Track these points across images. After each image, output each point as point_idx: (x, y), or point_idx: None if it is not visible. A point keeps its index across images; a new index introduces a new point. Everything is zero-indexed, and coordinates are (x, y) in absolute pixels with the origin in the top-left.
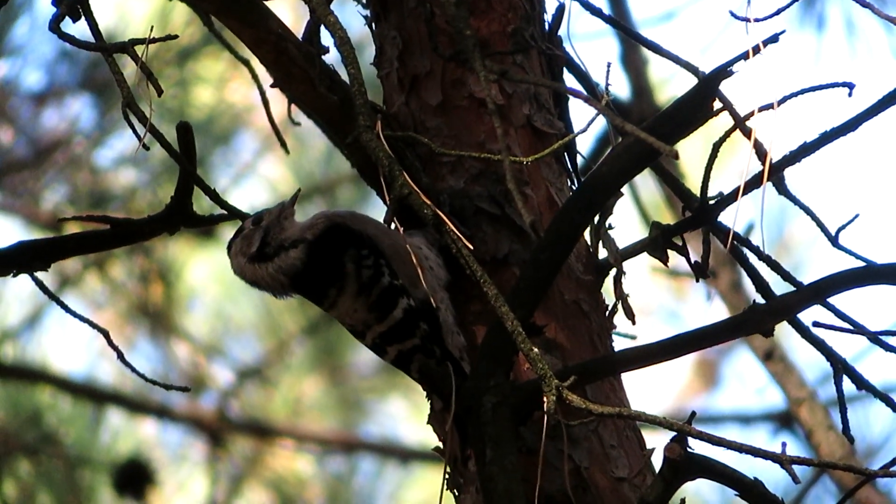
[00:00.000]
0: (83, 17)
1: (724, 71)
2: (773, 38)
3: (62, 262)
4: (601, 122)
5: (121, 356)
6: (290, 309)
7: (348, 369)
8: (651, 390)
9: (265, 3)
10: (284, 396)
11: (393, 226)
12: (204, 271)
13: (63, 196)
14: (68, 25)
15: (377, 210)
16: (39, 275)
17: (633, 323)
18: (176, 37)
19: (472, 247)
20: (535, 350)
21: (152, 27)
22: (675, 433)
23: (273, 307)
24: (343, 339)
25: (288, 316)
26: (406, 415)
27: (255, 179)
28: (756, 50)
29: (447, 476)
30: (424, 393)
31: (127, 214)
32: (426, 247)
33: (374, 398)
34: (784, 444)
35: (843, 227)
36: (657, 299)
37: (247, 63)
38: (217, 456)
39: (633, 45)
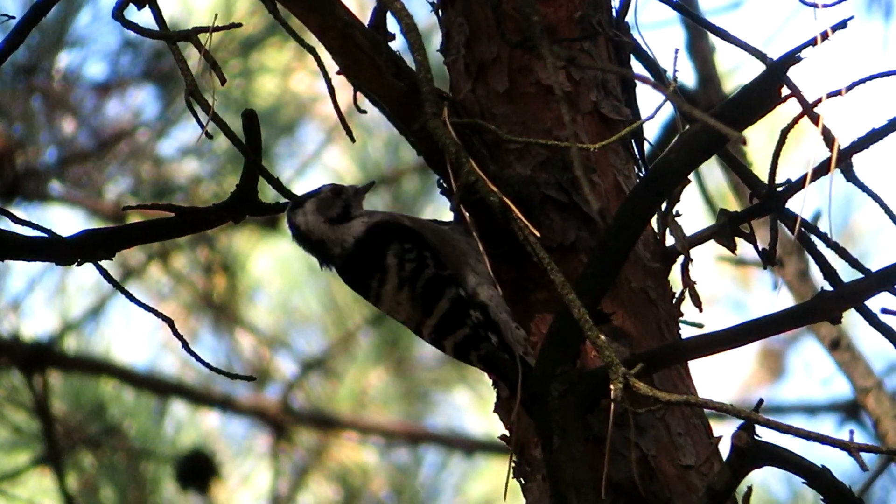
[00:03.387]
0: (147, 6)
1: (792, 57)
2: (842, 24)
3: (125, 255)
4: (668, 109)
5: (185, 345)
6: (354, 300)
7: (413, 361)
8: (716, 380)
9: None
10: (349, 388)
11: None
12: (268, 262)
13: (126, 187)
14: (132, 13)
15: (442, 198)
16: (104, 265)
17: (700, 311)
18: (240, 25)
19: (538, 234)
20: (602, 338)
21: (216, 16)
22: (742, 421)
23: (339, 298)
24: (407, 331)
25: (353, 307)
26: (471, 406)
27: (319, 170)
28: (824, 36)
29: (513, 464)
30: (491, 382)
31: (190, 205)
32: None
33: (439, 389)
34: (851, 432)
35: None
36: (722, 288)
37: (312, 51)
38: (281, 448)
39: (700, 32)
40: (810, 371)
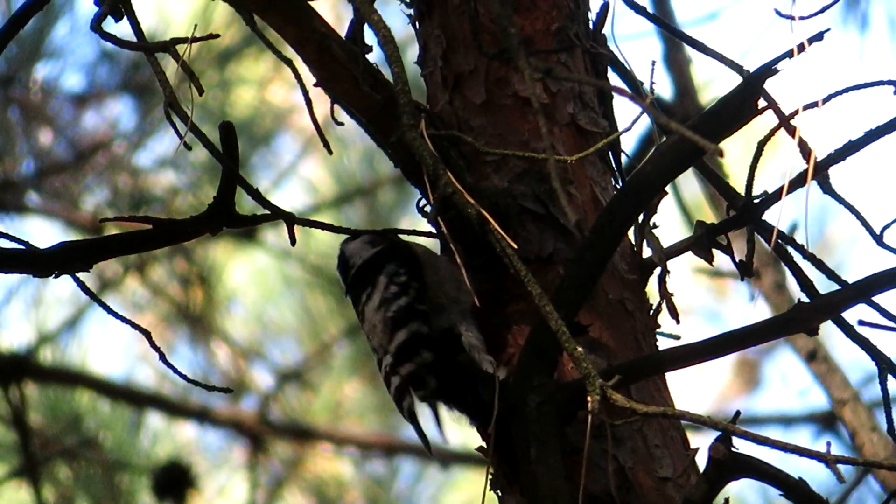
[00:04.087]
0: (125, 17)
1: (768, 69)
2: (818, 37)
3: (102, 266)
4: (645, 121)
5: (162, 357)
6: (330, 312)
7: None
8: (692, 391)
9: (309, 1)
10: (325, 399)
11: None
12: (244, 274)
13: (103, 198)
14: (110, 25)
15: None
16: (81, 276)
17: (678, 322)
18: (218, 36)
19: (516, 246)
20: (580, 349)
21: (195, 27)
22: (719, 433)
23: (314, 309)
24: None
25: (328, 319)
26: (447, 417)
27: (296, 181)
28: (801, 48)
29: (490, 476)
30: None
31: (168, 216)
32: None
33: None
34: (829, 444)
35: (888, 225)
36: (699, 299)
37: (289, 62)
38: (257, 459)
39: (676, 44)
40: (787, 382)
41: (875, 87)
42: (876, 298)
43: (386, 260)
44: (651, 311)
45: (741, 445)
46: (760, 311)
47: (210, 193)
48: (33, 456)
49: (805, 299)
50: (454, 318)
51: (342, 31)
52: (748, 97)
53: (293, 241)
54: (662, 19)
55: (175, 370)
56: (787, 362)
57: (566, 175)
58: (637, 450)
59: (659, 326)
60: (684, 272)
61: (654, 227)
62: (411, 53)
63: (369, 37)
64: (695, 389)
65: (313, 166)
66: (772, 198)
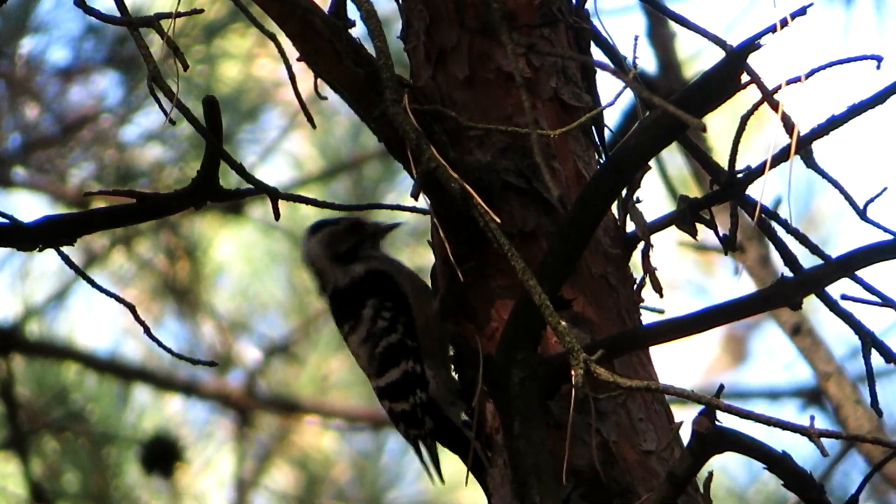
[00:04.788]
0: None
1: (751, 44)
2: (801, 11)
3: (88, 240)
4: (628, 96)
5: (147, 331)
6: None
7: None
8: (679, 366)
9: None
10: (311, 373)
11: (421, 199)
12: (231, 248)
13: (89, 173)
14: (94, 0)
15: (404, 185)
16: (66, 251)
17: (661, 297)
18: (202, 11)
19: (499, 220)
20: (563, 324)
21: (179, 2)
22: (703, 407)
23: (300, 284)
24: None
25: (314, 293)
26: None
27: (281, 156)
28: (784, 23)
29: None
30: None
31: (153, 190)
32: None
33: None
34: (812, 418)
35: (872, 200)
36: (684, 274)
37: (273, 37)
38: (244, 433)
39: (660, 19)
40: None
41: (858, 62)
42: (859, 273)
43: (367, 291)
44: (634, 286)
45: (725, 419)
46: (745, 286)
47: (196, 167)
48: (20, 429)
49: (789, 274)
50: (427, 365)
51: (325, 7)
52: (732, 72)
53: (277, 216)
54: None
55: (160, 344)
56: (773, 337)
57: (549, 150)
58: (621, 424)
59: (643, 301)
60: (669, 247)
61: (638, 201)
62: (394, 28)
63: (352, 12)
64: (683, 364)
65: (299, 141)
66: (755, 172)
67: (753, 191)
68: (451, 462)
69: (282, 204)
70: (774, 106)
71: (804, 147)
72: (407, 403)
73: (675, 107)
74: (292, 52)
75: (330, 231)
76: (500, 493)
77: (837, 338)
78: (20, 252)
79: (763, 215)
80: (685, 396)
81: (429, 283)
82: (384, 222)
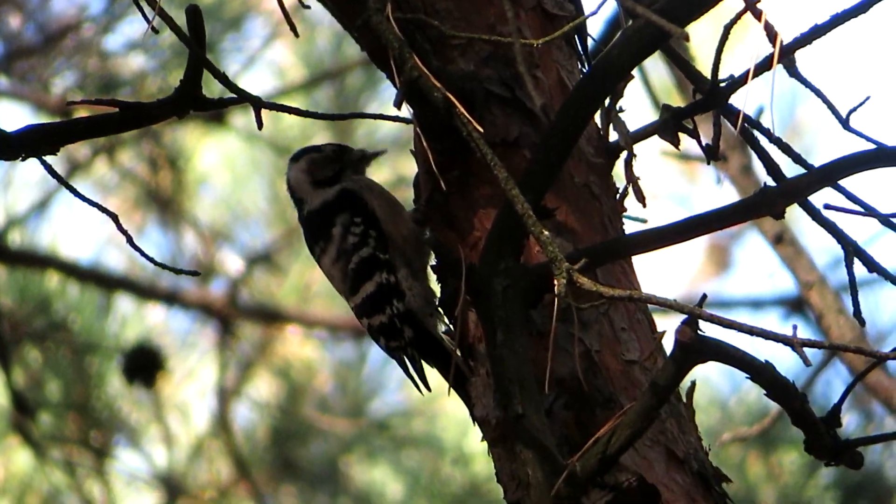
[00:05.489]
0: None
1: None
2: None
3: (72, 149)
4: (612, 5)
5: (130, 240)
6: None
7: None
8: (663, 276)
9: None
10: (294, 283)
11: (403, 109)
12: (213, 157)
13: (72, 82)
14: None
15: (387, 94)
16: (49, 160)
17: (644, 206)
18: None
19: (482, 130)
20: (546, 233)
21: None
22: (686, 316)
23: (282, 194)
24: None
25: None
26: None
27: (264, 65)
28: None
29: (456, 360)
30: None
31: (136, 100)
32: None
33: None
34: (795, 328)
35: (854, 109)
36: (667, 183)
37: None
38: (226, 342)
39: None
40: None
41: None
42: (842, 182)
43: (336, 210)
44: (617, 195)
45: (708, 329)
46: (728, 195)
47: (179, 77)
48: (2, 339)
49: (771, 183)
50: (404, 273)
51: None
52: None
53: (260, 125)
54: None
55: (143, 253)
56: (756, 246)
57: (532, 59)
58: (603, 333)
59: (625, 210)
60: (652, 156)
61: (621, 111)
62: None
63: None
64: (667, 274)
65: (282, 50)
66: (738, 82)
67: (736, 100)
68: (433, 371)
69: (265, 113)
70: (757, 15)
71: (787, 56)
72: (384, 315)
73: (658, 16)
74: None
75: (311, 158)
76: (483, 402)
77: (820, 248)
78: (3, 161)
79: (746, 124)
80: (668, 306)
81: (412, 193)
82: (369, 150)
